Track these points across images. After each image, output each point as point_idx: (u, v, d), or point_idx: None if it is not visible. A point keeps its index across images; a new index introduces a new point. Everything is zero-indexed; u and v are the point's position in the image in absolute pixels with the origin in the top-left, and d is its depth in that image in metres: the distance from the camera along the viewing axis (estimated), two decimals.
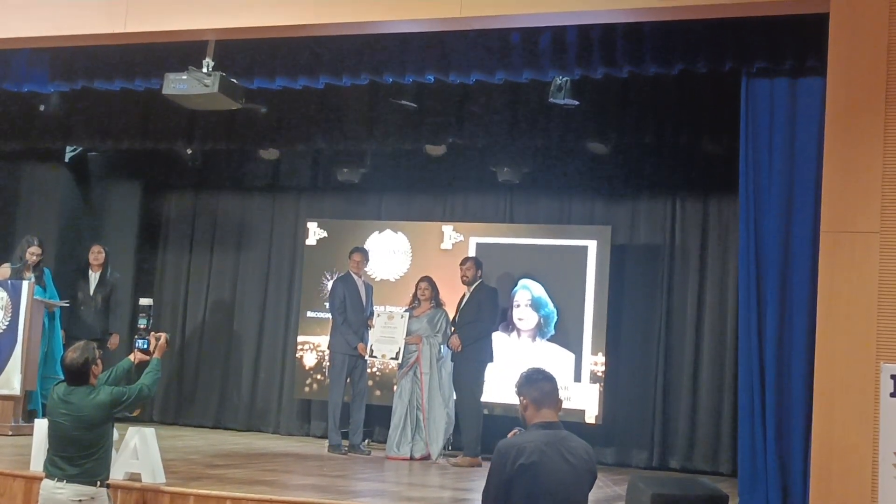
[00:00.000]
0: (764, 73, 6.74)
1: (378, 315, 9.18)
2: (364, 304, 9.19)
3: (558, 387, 4.17)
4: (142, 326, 5.66)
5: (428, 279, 9.09)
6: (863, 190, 5.92)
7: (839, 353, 5.88)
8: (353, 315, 9.11)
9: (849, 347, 5.85)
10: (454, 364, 8.82)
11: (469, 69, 7.41)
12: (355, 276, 9.25)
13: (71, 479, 5.17)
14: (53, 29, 7.47)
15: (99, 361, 5.37)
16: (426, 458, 8.73)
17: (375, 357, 9.10)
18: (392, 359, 8.98)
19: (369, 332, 9.09)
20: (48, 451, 5.31)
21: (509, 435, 4.13)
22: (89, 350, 5.32)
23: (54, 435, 5.26)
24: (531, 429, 4.07)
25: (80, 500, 5.15)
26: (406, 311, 9.08)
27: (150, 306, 5.81)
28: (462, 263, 9.04)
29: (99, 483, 5.24)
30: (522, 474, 3.90)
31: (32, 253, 9.15)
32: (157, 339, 5.62)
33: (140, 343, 5.57)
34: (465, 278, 8.94)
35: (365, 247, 9.74)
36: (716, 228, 9.46)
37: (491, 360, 8.82)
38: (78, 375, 5.26)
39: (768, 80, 6.75)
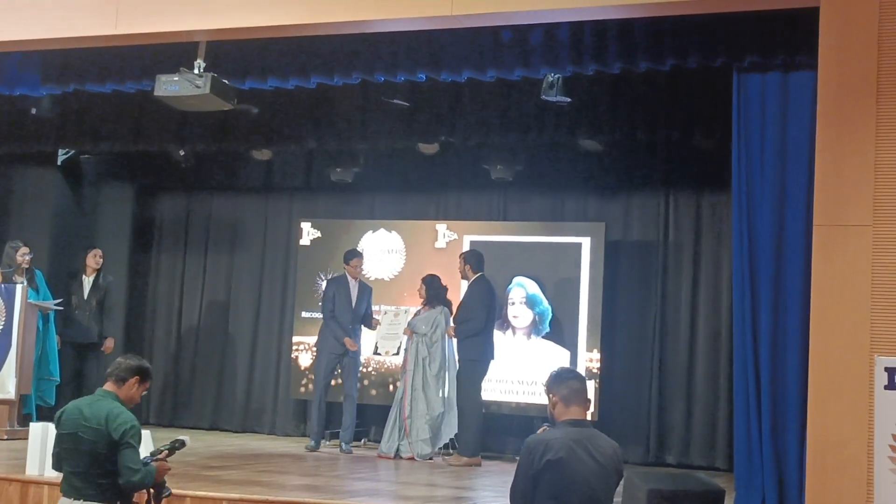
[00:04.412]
0: (755, 67, 6.73)
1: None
2: (353, 302, 9.22)
3: (587, 386, 4.22)
4: (159, 453, 5.24)
5: (424, 279, 9.08)
6: (855, 183, 5.93)
7: (833, 347, 5.88)
8: (341, 313, 9.17)
9: (843, 340, 5.85)
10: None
11: (461, 67, 7.40)
12: (350, 278, 9.27)
13: (88, 498, 5.01)
14: (44, 31, 7.44)
15: (145, 388, 5.04)
16: (412, 458, 8.67)
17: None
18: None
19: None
20: (64, 468, 4.99)
21: (538, 431, 4.18)
22: (144, 369, 5.01)
23: (69, 449, 4.96)
24: (560, 426, 4.11)
25: None
26: (417, 310, 9.12)
27: (181, 446, 5.11)
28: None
29: None
30: (549, 470, 3.94)
31: (23, 254, 9.11)
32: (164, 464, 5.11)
33: (146, 459, 5.24)
34: (460, 275, 8.99)
35: (359, 247, 9.79)
36: (709, 223, 9.47)
37: (492, 357, 8.81)
38: (118, 374, 4.97)
39: (760, 74, 6.74)
